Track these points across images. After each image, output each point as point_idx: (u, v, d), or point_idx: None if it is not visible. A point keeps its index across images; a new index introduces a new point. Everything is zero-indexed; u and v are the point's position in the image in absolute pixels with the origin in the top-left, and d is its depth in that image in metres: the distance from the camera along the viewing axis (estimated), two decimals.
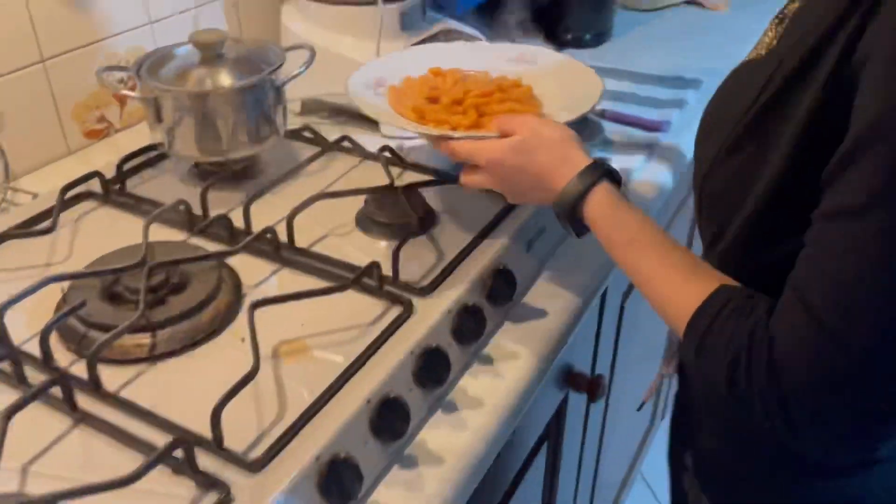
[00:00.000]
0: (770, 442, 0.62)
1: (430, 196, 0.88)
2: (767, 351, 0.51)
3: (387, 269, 0.75)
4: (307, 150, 1.01)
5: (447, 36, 1.16)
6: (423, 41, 1.12)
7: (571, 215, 0.67)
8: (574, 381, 0.91)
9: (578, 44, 1.42)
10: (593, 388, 0.92)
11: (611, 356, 1.09)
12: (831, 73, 0.50)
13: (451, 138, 0.74)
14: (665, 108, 1.16)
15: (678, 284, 0.59)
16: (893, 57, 0.46)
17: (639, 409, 0.93)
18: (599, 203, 0.65)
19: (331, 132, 1.06)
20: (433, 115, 0.80)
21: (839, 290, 0.48)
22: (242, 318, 0.71)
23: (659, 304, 0.61)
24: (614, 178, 0.68)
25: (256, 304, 0.67)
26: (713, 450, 0.71)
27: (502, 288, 0.73)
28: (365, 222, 0.86)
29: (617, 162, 1.02)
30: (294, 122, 1.08)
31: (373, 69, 0.89)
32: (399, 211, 0.84)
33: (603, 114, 1.15)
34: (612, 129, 1.10)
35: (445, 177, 0.95)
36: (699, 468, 0.74)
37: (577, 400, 0.96)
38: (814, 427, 0.50)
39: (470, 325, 0.69)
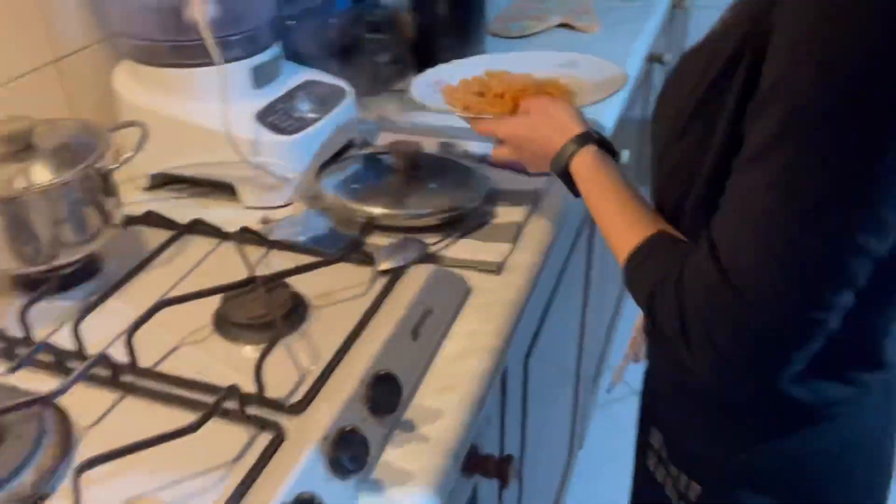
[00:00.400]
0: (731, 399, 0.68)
1: (300, 281, 0.78)
2: (676, 282, 0.58)
3: (251, 383, 0.65)
4: (156, 237, 0.88)
5: (309, 88, 1.06)
6: (283, 96, 1.02)
7: (564, 173, 0.76)
8: (482, 466, 0.82)
9: None
10: (503, 471, 0.83)
11: (520, 428, 1.01)
12: (753, 52, 0.54)
13: (479, 118, 0.86)
14: None
15: (625, 230, 0.67)
16: (791, 24, 0.50)
17: (608, 391, 0.95)
18: (583, 162, 0.74)
19: (185, 209, 0.94)
20: (476, 106, 0.89)
21: (731, 228, 0.54)
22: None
23: (613, 250, 0.68)
24: (606, 145, 0.77)
25: (83, 467, 0.55)
26: (679, 420, 0.75)
27: (386, 396, 0.64)
28: (224, 324, 0.74)
29: (505, 215, 0.95)
30: (141, 202, 0.96)
31: (435, 73, 1.00)
32: (262, 308, 0.73)
33: (485, 158, 1.08)
34: (497, 178, 1.03)
35: (315, 253, 0.84)
36: (668, 443, 0.77)
37: (488, 487, 0.88)
38: (708, 353, 0.55)
39: (351, 452, 0.59)
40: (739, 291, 0.53)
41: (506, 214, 0.95)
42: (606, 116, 1.21)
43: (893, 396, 0.70)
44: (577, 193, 0.76)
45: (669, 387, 0.76)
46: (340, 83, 1.10)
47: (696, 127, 0.61)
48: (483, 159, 1.07)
